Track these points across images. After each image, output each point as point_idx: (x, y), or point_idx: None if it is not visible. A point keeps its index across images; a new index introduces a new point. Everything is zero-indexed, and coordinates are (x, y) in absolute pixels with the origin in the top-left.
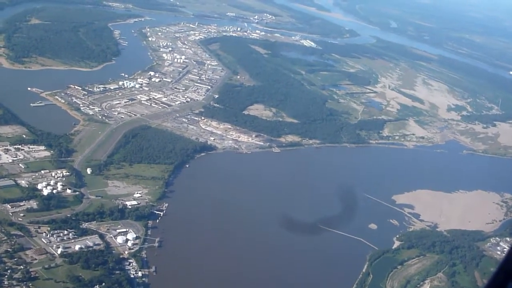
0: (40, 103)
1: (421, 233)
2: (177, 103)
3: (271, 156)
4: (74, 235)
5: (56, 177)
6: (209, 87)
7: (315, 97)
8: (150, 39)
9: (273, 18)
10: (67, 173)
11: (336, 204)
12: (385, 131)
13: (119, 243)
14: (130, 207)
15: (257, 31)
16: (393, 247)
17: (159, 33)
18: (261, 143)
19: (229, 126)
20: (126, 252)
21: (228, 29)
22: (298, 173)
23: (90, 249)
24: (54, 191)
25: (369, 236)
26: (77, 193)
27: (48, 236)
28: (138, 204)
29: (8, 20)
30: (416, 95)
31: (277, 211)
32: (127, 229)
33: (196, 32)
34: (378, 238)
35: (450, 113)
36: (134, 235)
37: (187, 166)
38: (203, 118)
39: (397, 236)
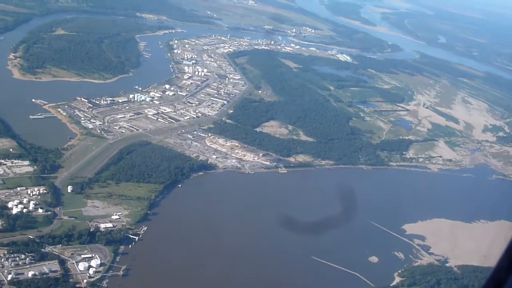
0: (40, 115)
1: (428, 269)
2: (186, 118)
3: (276, 177)
4: (31, 259)
5: (31, 194)
6: (225, 102)
7: (339, 114)
8: (175, 51)
9: (312, 31)
10: (44, 191)
11: (335, 233)
12: (409, 152)
13: (80, 270)
14: (103, 230)
15: (291, 45)
16: (391, 284)
17: (187, 45)
18: (267, 163)
19: (237, 144)
20: (85, 281)
21: (260, 42)
22: (299, 196)
23: (45, 276)
24: (25, 210)
25: (367, 271)
26: (49, 213)
27: (3, 260)
28: (113, 227)
29: (33, 30)
30: (452, 114)
31: (266, 239)
32: (93, 255)
33: (226, 45)
34: (376, 273)
35: (485, 133)
36: (99, 262)
37: (180, 186)
38: (210, 134)
39: (399, 271)
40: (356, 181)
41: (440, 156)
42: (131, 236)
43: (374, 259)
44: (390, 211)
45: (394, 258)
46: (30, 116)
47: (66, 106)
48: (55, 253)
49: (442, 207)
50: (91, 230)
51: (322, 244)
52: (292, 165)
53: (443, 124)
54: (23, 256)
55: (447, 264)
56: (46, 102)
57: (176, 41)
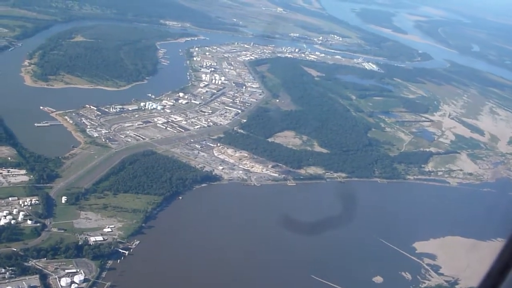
0: (45, 123)
1: None
2: (196, 127)
3: (283, 190)
4: (11, 274)
5: (22, 205)
6: (239, 111)
7: (358, 124)
8: (195, 58)
9: (340, 39)
10: (36, 202)
11: (339, 251)
12: (428, 165)
13: (62, 286)
14: (92, 243)
15: (316, 53)
16: None
17: (207, 53)
18: (276, 175)
19: (246, 155)
20: None
21: (284, 50)
22: (303, 211)
23: None
24: (13, 221)
25: None
26: (38, 224)
27: None
28: (103, 240)
29: (52, 37)
30: (478, 125)
31: (264, 256)
32: (78, 270)
33: (248, 53)
34: None
35: (511, 146)
36: (83, 277)
37: (180, 198)
38: (219, 144)
39: None
40: (368, 195)
41: (461, 170)
42: (121, 251)
43: (378, 279)
44: (401, 227)
45: (401, 278)
46: (35, 124)
47: (73, 114)
48: (38, 267)
49: (457, 224)
50: (79, 243)
51: (324, 263)
52: (301, 177)
53: (467, 135)
54: (3, 270)
55: (456, 286)
56: (54, 110)
57: (196, 49)
